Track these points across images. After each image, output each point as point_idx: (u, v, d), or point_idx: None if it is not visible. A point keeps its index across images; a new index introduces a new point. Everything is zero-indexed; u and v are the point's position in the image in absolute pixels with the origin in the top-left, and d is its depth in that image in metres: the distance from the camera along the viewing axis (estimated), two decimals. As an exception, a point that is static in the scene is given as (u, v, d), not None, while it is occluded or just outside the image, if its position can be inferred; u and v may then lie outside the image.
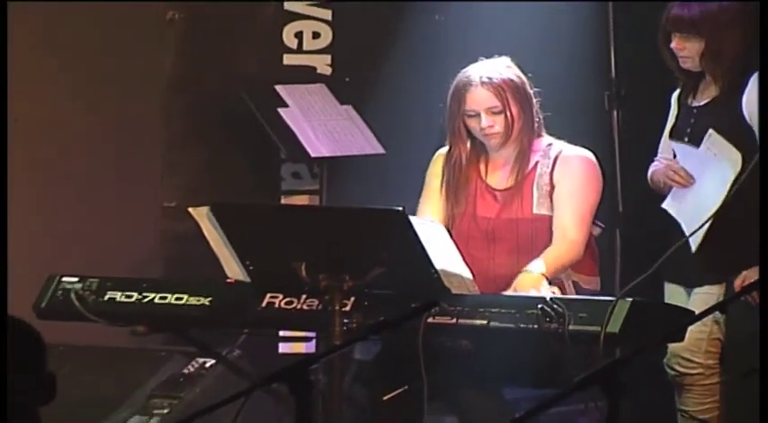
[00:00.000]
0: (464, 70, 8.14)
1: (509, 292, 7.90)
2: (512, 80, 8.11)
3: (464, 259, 7.88)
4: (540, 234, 8.13)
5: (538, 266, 7.97)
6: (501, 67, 8.15)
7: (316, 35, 9.99)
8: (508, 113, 8.09)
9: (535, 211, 8.15)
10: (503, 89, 8.09)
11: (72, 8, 9.72)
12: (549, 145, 8.19)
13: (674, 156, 8.11)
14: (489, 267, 8.10)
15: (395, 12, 9.64)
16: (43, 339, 4.78)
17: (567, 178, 8.15)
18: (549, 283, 7.89)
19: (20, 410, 4.19)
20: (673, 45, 8.00)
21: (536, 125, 8.18)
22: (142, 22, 9.93)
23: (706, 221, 7.76)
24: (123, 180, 9.83)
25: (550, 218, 8.14)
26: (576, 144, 8.22)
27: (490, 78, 8.10)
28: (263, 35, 10.01)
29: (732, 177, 7.77)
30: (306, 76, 9.90)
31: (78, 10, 9.72)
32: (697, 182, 7.96)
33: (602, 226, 8.39)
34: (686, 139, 8.06)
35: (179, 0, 10.02)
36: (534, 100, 8.18)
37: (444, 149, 8.29)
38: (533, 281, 7.91)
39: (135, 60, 9.96)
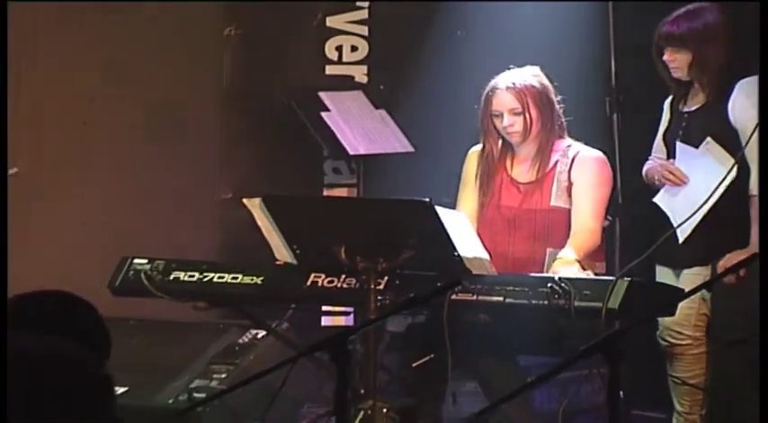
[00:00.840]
0: (495, 77, 8.14)
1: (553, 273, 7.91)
2: (533, 86, 8.12)
3: (486, 243, 7.88)
4: (555, 224, 8.13)
5: (570, 253, 7.97)
6: (526, 75, 8.17)
7: (354, 48, 9.97)
8: (527, 115, 8.10)
9: (553, 203, 8.14)
10: (524, 93, 8.10)
11: (148, 23, 9.68)
12: (569, 146, 8.19)
13: (668, 156, 8.06)
14: (509, 251, 8.11)
15: (423, 28, 9.62)
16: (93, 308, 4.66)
17: (585, 176, 8.15)
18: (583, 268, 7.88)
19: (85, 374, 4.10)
20: (665, 57, 7.96)
21: (557, 127, 8.18)
22: (203, 36, 9.88)
23: (692, 215, 7.78)
24: (187, 176, 9.82)
25: (566, 210, 8.14)
26: (587, 144, 8.22)
27: (513, 84, 8.12)
28: (308, 48, 9.99)
29: (718, 176, 7.72)
30: (345, 84, 9.92)
31: (152, 25, 9.69)
32: (689, 179, 7.92)
33: (610, 219, 8.39)
34: (677, 140, 8.02)
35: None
36: (557, 105, 8.16)
37: (476, 147, 8.28)
38: (569, 264, 7.90)
39: (197, 70, 9.94)
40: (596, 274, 7.95)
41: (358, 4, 9.98)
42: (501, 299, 7.67)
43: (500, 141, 8.18)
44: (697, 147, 7.93)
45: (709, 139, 7.87)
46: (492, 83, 8.12)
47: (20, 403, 3.85)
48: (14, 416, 3.87)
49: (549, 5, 9.34)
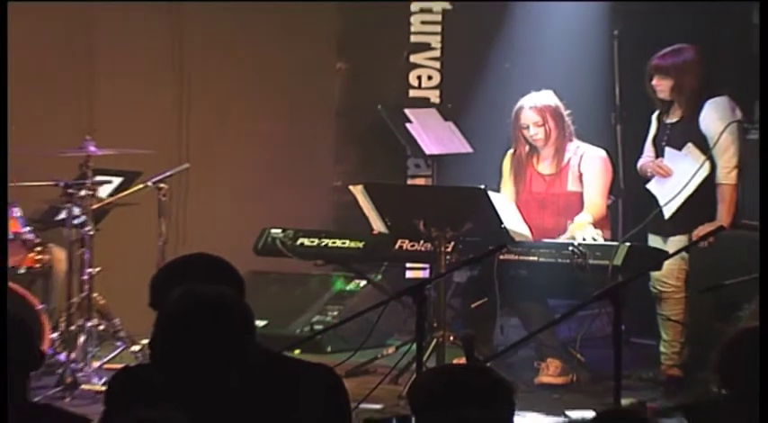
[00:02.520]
0: (522, 99, 8.18)
1: (562, 239, 7.93)
2: (550, 105, 8.09)
3: (523, 218, 7.94)
4: (571, 203, 8.10)
5: (585, 216, 7.97)
6: (545, 97, 8.12)
7: (429, 78, 9.81)
8: (546, 126, 8.09)
9: (569, 188, 8.12)
10: (543, 111, 8.08)
11: (279, 58, 9.74)
12: (578, 146, 8.16)
13: (657, 155, 8.04)
14: (540, 224, 8.03)
15: (480, 62, 9.53)
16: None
17: (591, 167, 8.12)
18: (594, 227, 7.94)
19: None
20: (653, 82, 7.90)
21: (567, 133, 8.16)
22: (320, 68, 9.92)
23: (674, 197, 7.78)
24: (309, 169, 9.82)
25: (579, 193, 8.10)
26: (595, 146, 8.25)
27: (535, 104, 8.09)
28: (396, 77, 9.89)
29: (695, 170, 7.76)
30: (423, 103, 9.78)
31: (283, 60, 9.73)
32: (673, 173, 7.92)
33: (614, 198, 8.40)
34: (664, 144, 8.02)
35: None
36: (567, 118, 8.16)
37: (510, 150, 8.29)
38: (585, 223, 7.91)
39: (316, 94, 9.95)
40: (604, 240, 8.01)
41: (433, 45, 9.78)
42: (536, 258, 7.74)
43: (527, 146, 8.14)
44: (679, 149, 7.92)
45: (690, 143, 7.86)
46: (520, 103, 8.11)
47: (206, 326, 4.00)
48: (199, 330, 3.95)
49: (569, 42, 9.25)
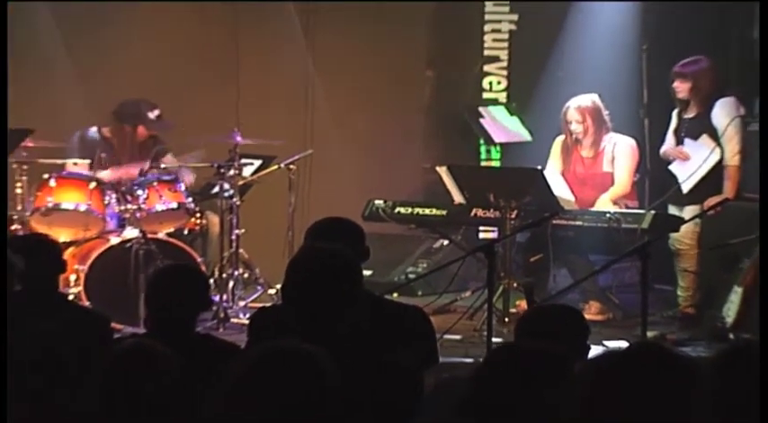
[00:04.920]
0: (569, 100, 8.13)
1: (594, 208, 7.91)
2: (589, 106, 8.01)
3: (571, 191, 7.92)
4: (605, 181, 8.02)
5: (606, 196, 7.91)
6: (586, 99, 8.04)
7: (498, 83, 9.77)
8: (585, 123, 8.03)
9: (604, 169, 8.05)
10: (584, 111, 8.00)
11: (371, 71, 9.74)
12: (611, 136, 8.08)
13: (677, 143, 7.99)
14: (582, 197, 7.96)
15: (537, 71, 9.50)
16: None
17: (621, 153, 8.05)
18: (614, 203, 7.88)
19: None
20: (674, 85, 7.86)
21: (605, 127, 8.08)
22: (410, 74, 9.89)
23: (690, 176, 7.74)
24: (404, 154, 9.76)
25: (611, 173, 8.02)
26: (626, 135, 8.20)
27: (578, 105, 8.03)
28: (472, 82, 9.86)
29: (707, 155, 7.71)
30: (493, 103, 9.71)
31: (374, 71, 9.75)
32: (691, 157, 7.86)
33: (639, 176, 8.33)
34: (683, 135, 7.96)
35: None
36: (605, 115, 8.10)
37: (559, 138, 8.20)
38: (606, 202, 7.88)
39: (411, 94, 9.88)
40: (631, 208, 7.97)
41: (501, 57, 9.68)
42: (580, 223, 7.72)
43: (572, 136, 8.07)
44: (695, 139, 7.86)
45: (704, 134, 7.80)
46: (567, 103, 8.04)
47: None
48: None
49: (608, 55, 9.18)
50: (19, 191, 7.57)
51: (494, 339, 5.64)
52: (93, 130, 8.20)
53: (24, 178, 7.57)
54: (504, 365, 3.10)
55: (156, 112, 8.14)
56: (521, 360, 3.11)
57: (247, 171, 8.26)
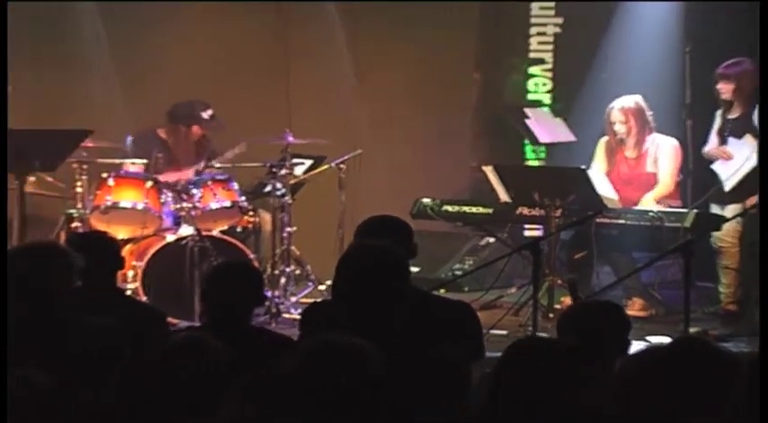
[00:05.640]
0: (613, 101, 8.09)
1: (638, 207, 7.87)
2: (632, 107, 7.98)
3: (615, 190, 7.88)
4: (649, 181, 7.99)
5: (649, 195, 7.89)
6: (630, 100, 8.02)
7: (544, 85, 9.72)
8: (629, 124, 7.99)
9: (647, 170, 8.02)
10: (627, 112, 7.97)
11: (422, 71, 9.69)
12: (654, 137, 8.05)
13: (720, 143, 7.94)
14: (626, 197, 7.91)
15: (582, 72, 9.47)
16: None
17: (664, 154, 8.02)
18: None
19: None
20: (718, 86, 7.81)
21: (648, 128, 8.04)
22: (456, 75, 9.85)
23: (733, 175, 7.66)
24: (451, 152, 9.75)
25: (655, 173, 7.98)
26: (669, 136, 8.15)
27: (622, 105, 8.00)
28: (517, 83, 9.85)
29: (749, 155, 7.65)
30: (538, 104, 9.67)
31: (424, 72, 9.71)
32: (734, 157, 7.81)
33: (681, 176, 8.27)
34: (726, 134, 7.91)
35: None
36: (647, 115, 8.06)
37: (603, 138, 8.19)
38: (649, 202, 7.84)
39: (459, 95, 9.81)
40: (674, 207, 7.93)
41: (546, 60, 9.61)
42: (623, 221, 7.67)
43: (615, 136, 8.05)
44: (739, 139, 7.80)
45: (748, 134, 7.74)
46: (611, 104, 8.02)
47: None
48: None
49: (652, 58, 9.13)
50: (79, 190, 7.63)
51: (539, 334, 5.62)
52: (148, 130, 8.26)
53: (84, 177, 7.63)
54: (520, 363, 3.08)
55: (210, 112, 8.20)
56: (535, 356, 3.09)
57: (299, 170, 8.29)
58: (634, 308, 7.72)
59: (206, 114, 8.20)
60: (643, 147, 8.05)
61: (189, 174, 8.07)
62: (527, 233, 9.17)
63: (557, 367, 3.01)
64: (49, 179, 7.76)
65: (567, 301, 7.02)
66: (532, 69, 9.76)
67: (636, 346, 3.88)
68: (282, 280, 7.93)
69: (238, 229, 8.02)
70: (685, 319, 5.67)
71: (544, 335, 5.75)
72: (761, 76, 7.37)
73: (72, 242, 5.01)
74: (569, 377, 3.01)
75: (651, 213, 7.55)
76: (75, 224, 7.57)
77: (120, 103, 8.79)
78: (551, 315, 7.31)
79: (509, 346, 3.16)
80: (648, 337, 6.74)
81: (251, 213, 8.03)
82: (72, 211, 7.62)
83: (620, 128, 8.02)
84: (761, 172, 7.09)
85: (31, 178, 7.32)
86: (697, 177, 8.53)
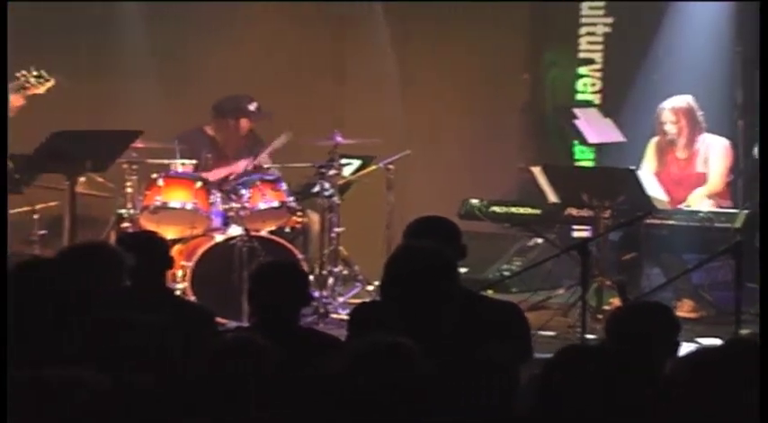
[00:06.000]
0: (664, 101, 8.06)
1: (687, 202, 7.82)
2: (683, 107, 7.96)
3: (665, 191, 7.83)
4: (700, 181, 7.96)
5: (701, 190, 7.86)
6: (681, 100, 7.99)
7: (593, 85, 9.67)
8: (680, 124, 7.96)
9: (697, 170, 7.99)
10: (678, 112, 7.95)
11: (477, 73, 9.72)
12: (705, 137, 8.02)
13: None
14: (676, 197, 7.88)
15: (631, 73, 9.41)
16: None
17: (715, 153, 7.98)
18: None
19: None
20: None
21: (698, 128, 8.01)
22: (509, 79, 9.84)
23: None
24: (499, 153, 9.72)
25: (705, 174, 7.95)
26: (720, 136, 8.10)
27: (673, 106, 7.97)
28: (566, 83, 9.83)
29: None
30: (587, 105, 9.65)
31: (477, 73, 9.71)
32: None
33: (732, 176, 8.21)
34: None
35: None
36: (698, 116, 8.02)
37: (653, 139, 8.15)
38: (700, 197, 7.82)
39: (508, 96, 9.78)
40: (724, 208, 7.87)
41: (596, 60, 9.59)
42: (673, 222, 7.64)
43: (666, 137, 8.03)
44: None
45: None
46: (662, 104, 8.00)
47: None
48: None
49: (703, 58, 9.08)
50: (129, 190, 7.68)
51: (587, 336, 5.61)
52: (195, 129, 8.30)
53: (134, 178, 7.68)
54: (567, 368, 3.07)
55: (255, 104, 8.24)
56: (584, 362, 3.08)
57: (347, 171, 8.30)
58: (684, 309, 7.67)
59: (252, 106, 8.23)
60: (693, 147, 8.01)
61: (239, 167, 8.10)
62: (575, 234, 9.13)
63: (605, 373, 3.00)
64: (100, 179, 7.83)
65: (616, 302, 6.99)
66: (582, 69, 9.73)
67: (686, 348, 3.86)
68: (330, 280, 7.95)
69: (287, 230, 8.04)
70: (736, 320, 5.64)
71: (592, 336, 5.73)
72: (761, 75, 7.29)
73: (122, 242, 5.04)
74: (617, 382, 2.99)
75: (701, 214, 7.51)
76: (125, 224, 7.62)
77: (170, 104, 8.84)
78: (600, 316, 7.27)
79: (558, 351, 3.15)
80: (699, 339, 6.69)
81: (299, 214, 8.04)
82: (122, 211, 7.67)
83: (671, 128, 7.98)
84: (761, 172, 7.03)
85: (82, 179, 7.36)
86: (748, 178, 8.46)
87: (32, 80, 6.99)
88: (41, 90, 7.06)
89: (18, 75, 6.96)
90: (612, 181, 7.63)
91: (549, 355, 3.24)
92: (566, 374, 3.05)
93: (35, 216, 7.05)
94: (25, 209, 7.17)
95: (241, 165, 8.10)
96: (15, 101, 6.90)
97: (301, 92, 9.22)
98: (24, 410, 2.78)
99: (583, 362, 3.07)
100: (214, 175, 8.00)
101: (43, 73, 7.04)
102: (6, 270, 3.98)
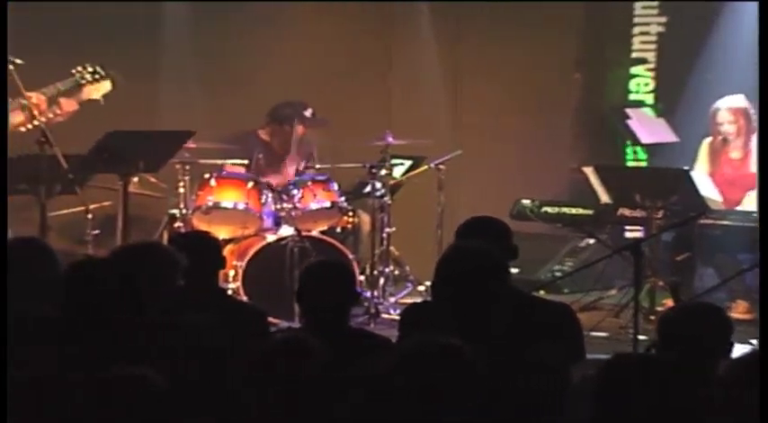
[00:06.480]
0: (718, 101, 8.01)
1: (740, 207, 7.76)
2: (740, 107, 7.92)
3: (719, 191, 7.78)
4: (753, 181, 7.82)
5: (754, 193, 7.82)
6: (738, 99, 7.95)
7: (646, 85, 9.65)
8: (739, 123, 7.91)
9: (752, 170, 7.92)
10: (735, 112, 7.91)
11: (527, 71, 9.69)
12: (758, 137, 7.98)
13: None
14: (730, 198, 7.86)
15: (684, 73, 9.37)
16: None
17: None
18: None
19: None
20: None
21: (752, 128, 7.96)
22: (559, 77, 9.79)
23: None
24: (551, 153, 9.68)
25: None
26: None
27: (730, 105, 7.93)
28: (619, 85, 9.73)
29: None
30: (639, 105, 9.59)
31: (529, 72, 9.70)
32: None
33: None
34: None
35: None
36: (752, 115, 7.97)
37: (706, 140, 8.11)
38: (756, 198, 7.74)
39: (559, 96, 9.69)
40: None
41: (649, 59, 9.53)
42: (727, 222, 7.59)
43: (720, 137, 7.99)
44: None
45: None
46: (717, 104, 7.98)
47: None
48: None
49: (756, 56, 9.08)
50: (181, 190, 7.73)
51: (640, 337, 5.58)
52: (249, 132, 8.35)
53: (186, 178, 7.73)
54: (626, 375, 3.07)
55: (310, 110, 8.27)
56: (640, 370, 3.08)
57: (398, 171, 8.31)
58: (738, 311, 7.62)
59: (307, 112, 8.27)
60: (748, 147, 7.97)
61: (290, 174, 8.14)
62: (628, 234, 9.09)
63: (660, 376, 3.01)
64: (153, 180, 7.88)
65: (669, 303, 6.94)
66: (635, 69, 9.67)
67: (739, 350, 3.83)
68: (381, 280, 7.96)
69: (338, 230, 8.06)
70: (791, 322, 5.57)
71: (644, 337, 5.70)
72: (760, 75, 7.21)
73: (175, 242, 5.07)
74: (671, 384, 2.99)
75: (755, 214, 7.43)
76: (177, 224, 7.67)
77: (221, 104, 8.89)
78: (652, 317, 7.23)
79: (609, 360, 3.15)
80: (753, 341, 6.64)
81: (350, 214, 8.06)
82: (174, 211, 7.73)
83: (728, 128, 7.94)
84: (760, 172, 6.96)
85: (135, 179, 7.42)
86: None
87: (88, 76, 7.01)
88: (96, 95, 7.08)
89: (73, 71, 6.98)
90: (665, 181, 7.59)
91: (601, 356, 3.24)
92: (622, 379, 3.05)
93: (88, 216, 7.08)
94: (79, 209, 7.21)
95: (291, 171, 8.14)
96: (69, 105, 6.93)
97: (351, 92, 9.24)
98: (86, 409, 2.81)
99: (638, 366, 3.07)
100: (266, 179, 8.02)
101: (98, 69, 7.05)
102: (6, 270, 4.04)
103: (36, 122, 6.68)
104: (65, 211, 7.62)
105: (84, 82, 7.03)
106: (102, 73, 7.07)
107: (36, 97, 6.63)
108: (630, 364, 3.16)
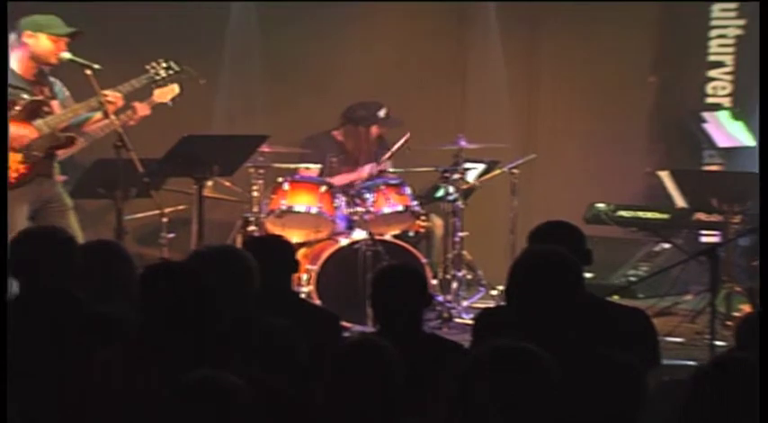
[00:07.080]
0: None
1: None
2: None
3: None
4: None
5: None
6: None
7: (723, 88, 9.57)
8: None
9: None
10: None
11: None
12: None
13: None
14: None
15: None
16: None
17: None
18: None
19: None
20: None
21: None
22: (636, 82, 9.69)
23: None
24: (626, 157, 9.63)
25: None
26: None
27: None
28: (695, 88, 9.63)
29: None
30: (715, 108, 9.55)
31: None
32: None
33: None
34: None
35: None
36: None
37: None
38: None
39: (634, 100, 9.63)
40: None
41: (727, 62, 9.53)
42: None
43: None
44: None
45: None
46: None
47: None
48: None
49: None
50: (255, 194, 7.79)
51: (717, 343, 5.53)
52: (323, 133, 8.39)
53: (260, 182, 7.79)
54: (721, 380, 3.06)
55: (385, 111, 8.29)
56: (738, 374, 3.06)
57: (471, 175, 8.31)
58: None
59: (382, 113, 8.30)
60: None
61: (363, 173, 8.15)
62: (703, 239, 9.00)
63: (746, 382, 3.00)
64: (227, 183, 7.96)
65: (746, 308, 6.87)
66: (712, 72, 9.61)
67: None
68: (454, 285, 7.97)
69: (410, 234, 8.08)
70: None
71: (721, 343, 5.65)
72: (760, 75, 7.09)
73: (249, 245, 5.12)
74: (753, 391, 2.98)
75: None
76: (251, 228, 7.73)
77: (296, 107, 8.94)
78: (729, 323, 7.17)
79: (708, 362, 3.14)
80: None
81: (423, 218, 8.07)
82: (248, 214, 7.79)
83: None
84: (760, 172, 6.86)
85: (210, 183, 7.48)
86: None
87: (162, 72, 7.07)
88: (166, 99, 7.13)
89: (147, 67, 7.04)
90: (742, 186, 7.53)
91: (677, 362, 3.23)
92: (713, 387, 3.03)
93: (164, 219, 7.17)
94: (154, 212, 7.30)
95: (365, 170, 8.16)
96: (143, 110, 6.99)
97: (424, 95, 9.25)
98: (164, 412, 2.85)
99: (729, 373, 3.06)
100: (339, 180, 8.07)
101: (172, 64, 7.09)
102: (6, 270, 4.03)
103: (109, 121, 6.72)
104: (140, 215, 7.72)
105: (158, 78, 7.07)
106: (176, 68, 7.10)
107: (112, 95, 6.69)
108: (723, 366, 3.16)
